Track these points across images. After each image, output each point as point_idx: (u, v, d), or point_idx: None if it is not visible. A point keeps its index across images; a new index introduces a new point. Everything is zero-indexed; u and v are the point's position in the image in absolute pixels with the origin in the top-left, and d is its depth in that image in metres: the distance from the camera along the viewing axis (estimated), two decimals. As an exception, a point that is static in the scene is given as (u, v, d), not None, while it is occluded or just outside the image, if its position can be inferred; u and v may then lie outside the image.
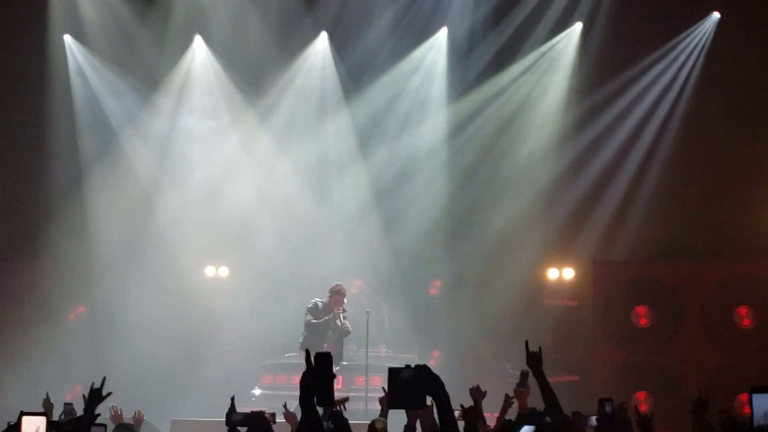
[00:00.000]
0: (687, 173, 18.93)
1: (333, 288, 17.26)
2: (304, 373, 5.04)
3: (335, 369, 16.06)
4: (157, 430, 15.04)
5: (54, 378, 17.45)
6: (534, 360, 7.85)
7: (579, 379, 18.80)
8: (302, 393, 5.01)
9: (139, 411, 11.23)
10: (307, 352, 5.08)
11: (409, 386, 4.90)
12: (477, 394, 8.95)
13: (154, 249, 20.23)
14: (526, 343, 7.91)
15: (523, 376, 11.22)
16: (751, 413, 4.04)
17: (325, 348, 16.36)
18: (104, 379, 8.27)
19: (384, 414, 9.23)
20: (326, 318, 17.04)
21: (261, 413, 7.82)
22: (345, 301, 17.17)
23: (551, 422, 7.58)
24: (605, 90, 19.79)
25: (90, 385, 9.44)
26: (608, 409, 8.38)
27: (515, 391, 10.16)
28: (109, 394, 8.19)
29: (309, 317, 17.14)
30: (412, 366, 4.96)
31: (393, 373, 4.93)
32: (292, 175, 20.48)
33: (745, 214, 18.00)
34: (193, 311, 20.07)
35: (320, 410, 6.06)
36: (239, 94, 20.54)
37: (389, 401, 4.98)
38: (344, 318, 17.10)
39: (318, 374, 4.99)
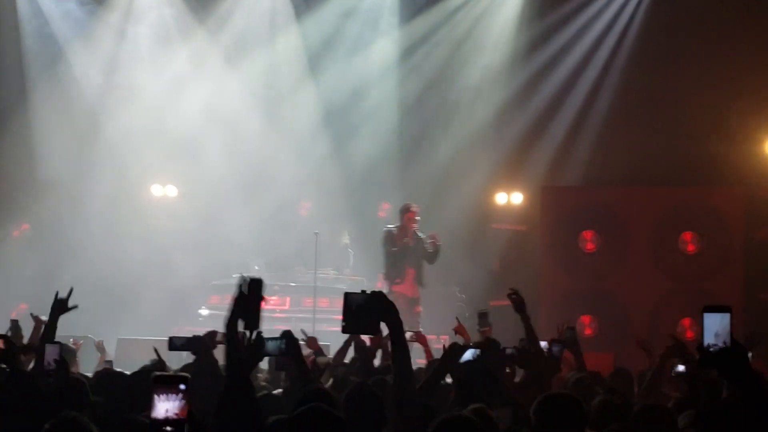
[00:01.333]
0: (637, 100, 18.96)
1: (402, 208, 16.58)
2: (234, 295, 5.00)
3: (417, 293, 16.15)
4: (103, 350, 14.99)
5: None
6: (521, 305, 8.22)
7: (525, 303, 18.90)
8: (229, 316, 4.98)
9: (74, 339, 11.08)
10: (242, 278, 5.03)
11: (362, 311, 4.87)
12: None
13: (101, 166, 20.02)
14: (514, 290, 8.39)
15: (482, 316, 11.30)
16: (702, 332, 4.06)
17: (406, 273, 16.20)
18: (71, 290, 8.16)
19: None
20: (404, 241, 16.29)
21: (200, 337, 7.77)
22: (418, 218, 16.43)
23: (514, 353, 7.69)
24: (557, 13, 19.72)
25: (30, 312, 9.38)
26: (555, 350, 8.44)
27: (479, 332, 10.23)
28: (74, 306, 8.07)
29: (387, 247, 16.37)
30: (367, 291, 4.92)
31: (347, 297, 4.90)
32: (242, 94, 20.31)
33: (693, 142, 18.07)
34: (139, 230, 19.93)
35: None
36: (189, 9, 20.24)
37: (342, 325, 4.95)
38: (420, 236, 16.36)
39: (247, 298, 4.95)
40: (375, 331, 4.98)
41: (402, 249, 16.25)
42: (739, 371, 3.93)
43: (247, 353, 5.41)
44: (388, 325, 4.90)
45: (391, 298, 4.96)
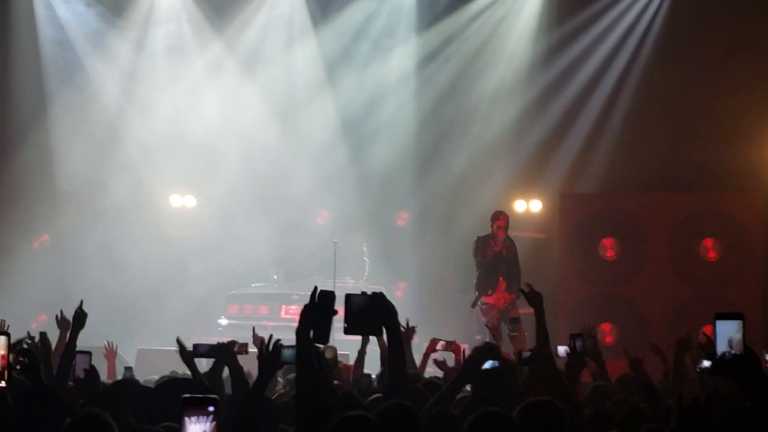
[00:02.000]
0: (656, 107, 18.91)
1: (492, 216, 16.01)
2: (305, 305, 4.99)
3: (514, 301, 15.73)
4: (122, 359, 15.03)
5: (18, 307, 17.34)
6: (535, 299, 8.11)
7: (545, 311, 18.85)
8: (300, 325, 4.96)
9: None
10: (315, 289, 5.01)
11: (363, 313, 4.89)
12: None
13: (120, 177, 20.08)
14: (528, 285, 8.24)
15: (513, 321, 11.25)
16: (714, 339, 4.05)
17: (498, 283, 15.66)
18: (81, 302, 8.18)
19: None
20: (495, 250, 15.73)
21: (224, 344, 7.74)
22: (508, 224, 15.86)
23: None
24: (576, 20, 19.69)
25: (55, 315, 9.37)
26: (578, 344, 8.39)
27: (510, 336, 10.16)
28: (86, 315, 8.09)
29: (477, 257, 15.84)
30: (368, 293, 4.94)
31: (348, 299, 4.92)
32: (260, 104, 20.35)
33: (712, 149, 18.00)
34: (159, 240, 19.97)
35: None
36: (206, 20, 20.29)
37: (344, 327, 4.96)
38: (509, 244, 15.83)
39: (318, 310, 4.94)
40: (377, 333, 5.00)
41: (493, 259, 15.72)
42: (752, 378, 3.91)
43: (263, 362, 5.41)
44: (386, 327, 4.91)
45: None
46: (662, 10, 19.43)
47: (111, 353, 9.27)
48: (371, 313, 4.91)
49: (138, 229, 19.93)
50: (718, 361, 3.96)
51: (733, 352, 3.96)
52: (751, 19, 17.99)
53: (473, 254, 15.87)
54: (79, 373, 7.13)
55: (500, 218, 15.73)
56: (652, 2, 19.57)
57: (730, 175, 17.86)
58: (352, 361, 12.93)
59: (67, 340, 8.12)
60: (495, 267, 15.68)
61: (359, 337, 16.45)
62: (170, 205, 20.79)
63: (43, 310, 18.50)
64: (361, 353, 9.55)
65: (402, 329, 9.58)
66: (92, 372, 7.00)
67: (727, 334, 4.00)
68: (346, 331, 5.00)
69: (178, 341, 7.95)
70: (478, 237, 15.97)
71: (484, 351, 7.51)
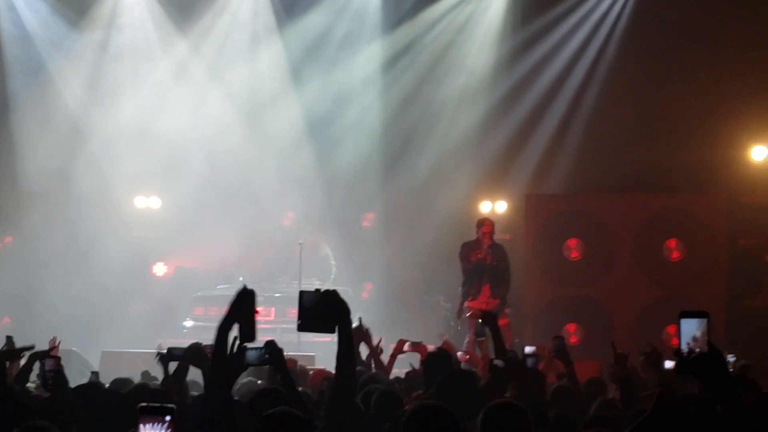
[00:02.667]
0: (619, 108, 19.00)
1: (477, 222, 15.77)
2: (230, 304, 4.97)
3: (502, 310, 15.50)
4: (86, 362, 14.95)
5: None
6: (490, 319, 8.03)
7: (511, 311, 18.92)
8: (223, 321, 4.95)
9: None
10: (243, 287, 4.99)
11: (316, 310, 4.88)
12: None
13: (84, 178, 19.97)
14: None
15: (480, 325, 11.26)
16: (679, 337, 4.08)
17: (481, 289, 15.39)
18: (9, 339, 8.08)
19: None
20: (479, 257, 15.46)
21: (198, 345, 7.71)
22: (493, 231, 15.51)
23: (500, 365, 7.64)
24: (539, 22, 19.78)
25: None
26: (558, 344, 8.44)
27: (477, 341, 10.17)
28: (22, 349, 8.00)
29: (462, 262, 15.65)
30: (321, 290, 4.93)
31: (301, 296, 4.92)
32: (225, 106, 20.31)
33: (675, 149, 18.12)
34: (124, 242, 19.87)
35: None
36: (170, 21, 20.22)
37: (297, 323, 4.96)
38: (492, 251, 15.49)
39: (240, 308, 4.92)
40: (330, 330, 4.96)
41: (476, 265, 15.51)
42: (717, 376, 3.94)
43: (228, 364, 5.38)
44: (338, 324, 4.91)
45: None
46: (625, 13, 19.54)
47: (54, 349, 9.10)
48: (323, 310, 4.90)
49: (103, 231, 19.83)
50: (683, 359, 3.98)
51: (697, 349, 3.98)
52: (713, 22, 18.12)
53: (459, 259, 15.75)
54: (47, 374, 7.12)
55: (485, 225, 15.58)
56: (614, 5, 19.68)
57: (693, 175, 17.99)
58: (317, 364, 12.92)
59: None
60: (479, 274, 15.56)
61: (330, 338, 16.49)
62: (135, 206, 20.70)
63: (6, 313, 18.42)
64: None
65: (363, 329, 9.62)
66: (60, 374, 6.97)
67: (692, 332, 4.02)
68: (299, 328, 4.98)
69: (159, 351, 7.94)
70: (464, 243, 15.78)
71: (437, 357, 7.53)
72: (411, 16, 20.40)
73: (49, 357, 7.40)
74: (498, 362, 7.66)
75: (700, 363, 3.94)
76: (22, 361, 8.21)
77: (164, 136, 19.72)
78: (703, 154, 17.73)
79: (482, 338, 11.26)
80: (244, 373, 7.28)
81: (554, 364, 9.16)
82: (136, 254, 19.89)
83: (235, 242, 19.41)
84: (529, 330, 17.77)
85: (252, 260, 19.70)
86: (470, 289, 15.55)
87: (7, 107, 19.95)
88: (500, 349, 7.65)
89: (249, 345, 5.15)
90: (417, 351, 10.28)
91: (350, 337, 4.97)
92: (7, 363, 7.77)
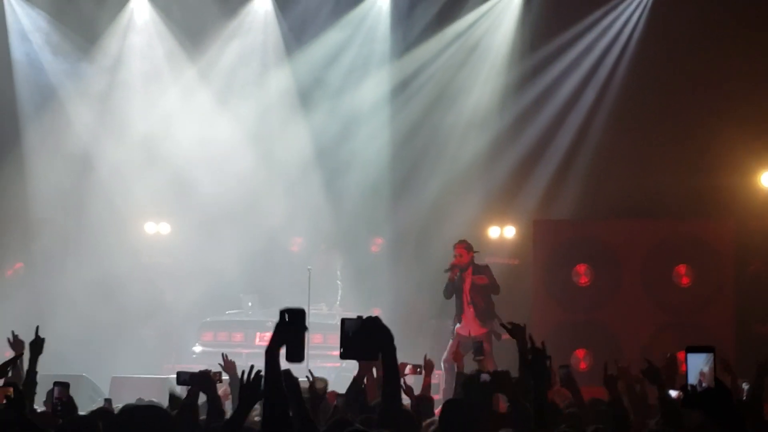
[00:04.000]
0: (628, 134, 19.02)
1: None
2: (276, 325, 4.95)
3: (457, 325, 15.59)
4: (96, 387, 14.98)
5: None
6: (518, 332, 7.35)
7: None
8: (270, 344, 4.92)
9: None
10: (284, 309, 4.98)
11: (359, 337, 4.88)
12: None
13: (94, 204, 20.04)
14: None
15: (477, 346, 11.26)
16: (686, 372, 4.11)
17: (463, 312, 15.53)
18: (38, 328, 8.11)
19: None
20: (452, 279, 15.63)
21: (207, 372, 7.77)
22: (466, 255, 15.56)
23: (489, 380, 7.60)
24: (548, 48, 19.82)
25: (6, 338, 9.24)
26: (564, 373, 8.41)
27: (474, 361, 10.15)
28: (43, 339, 8.03)
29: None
30: (363, 317, 4.93)
31: (343, 324, 4.92)
32: (234, 132, 20.35)
33: (684, 175, 18.12)
34: (133, 268, 19.92)
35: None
36: (180, 49, 20.31)
37: (340, 351, 4.95)
38: (464, 274, 15.52)
39: (289, 329, 4.90)
40: (373, 357, 4.97)
41: (448, 288, 15.70)
42: (724, 411, 3.96)
43: (244, 392, 5.39)
44: (381, 350, 4.92)
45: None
46: (634, 39, 19.58)
47: (18, 343, 9.00)
48: (366, 336, 4.90)
49: (112, 256, 19.88)
50: (690, 393, 4.01)
51: (704, 384, 4.02)
52: (720, 47, 18.15)
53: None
54: (56, 401, 7.15)
55: (455, 247, 15.73)
56: (623, 31, 19.71)
57: (702, 201, 17.98)
58: (329, 389, 12.90)
59: (27, 366, 8.06)
60: (454, 297, 15.72)
61: (339, 364, 16.38)
62: (145, 231, 20.76)
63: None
64: (357, 380, 9.30)
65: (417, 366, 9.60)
66: (70, 403, 7.00)
67: (699, 366, 4.05)
68: (342, 356, 4.99)
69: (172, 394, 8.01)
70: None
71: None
72: (420, 42, 20.45)
73: (58, 384, 7.41)
74: (485, 377, 7.64)
75: (706, 398, 3.97)
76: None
77: (173, 161, 19.79)
78: (712, 180, 17.73)
79: (481, 358, 11.24)
80: None
81: (562, 393, 9.14)
82: (146, 279, 19.94)
83: (244, 267, 19.44)
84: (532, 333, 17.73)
85: (261, 286, 19.72)
86: (455, 314, 15.69)
87: (18, 134, 20.03)
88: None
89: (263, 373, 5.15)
90: (419, 373, 10.27)
91: (395, 364, 4.97)
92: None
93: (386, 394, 5.03)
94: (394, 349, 4.95)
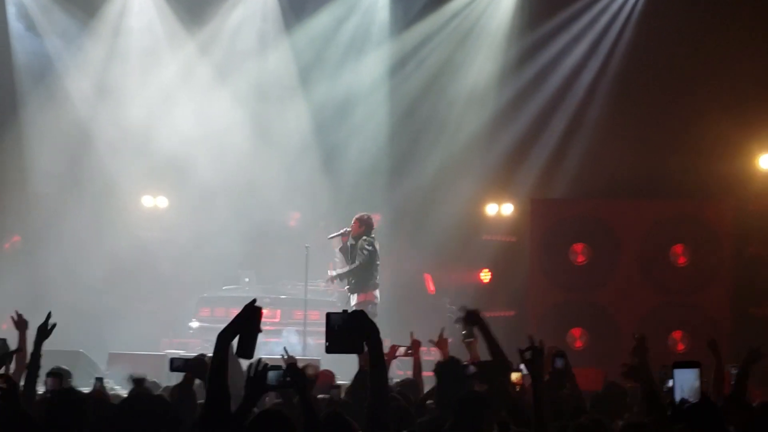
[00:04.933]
0: (627, 113, 18.99)
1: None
2: (235, 316, 4.98)
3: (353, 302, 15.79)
4: (93, 363, 15.00)
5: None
6: (473, 317, 7.26)
7: (515, 314, 18.97)
8: (226, 328, 4.95)
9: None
10: (248, 304, 5.00)
11: (344, 331, 4.89)
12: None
13: (91, 178, 20.03)
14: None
15: (468, 328, 11.16)
16: (673, 387, 4.12)
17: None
18: (49, 314, 8.06)
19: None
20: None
21: (201, 358, 7.73)
22: (356, 228, 15.87)
23: (475, 372, 7.52)
24: (548, 25, 19.77)
25: (10, 316, 9.20)
26: (559, 364, 8.36)
27: (463, 342, 10.06)
28: (54, 325, 7.99)
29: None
30: (348, 311, 4.94)
31: (329, 318, 4.92)
32: (232, 107, 20.31)
33: (681, 155, 18.10)
34: (130, 242, 19.91)
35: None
36: (179, 23, 20.25)
37: (326, 345, 4.95)
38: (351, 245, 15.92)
39: (246, 324, 4.93)
40: (358, 350, 4.98)
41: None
42: (710, 426, 3.98)
43: (249, 385, 5.36)
44: (367, 344, 4.92)
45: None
46: (634, 15, 19.53)
47: (21, 322, 8.96)
48: (352, 331, 4.91)
49: (110, 230, 19.87)
50: (677, 409, 4.02)
51: (691, 400, 4.03)
52: (722, 27, 18.11)
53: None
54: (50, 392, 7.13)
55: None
56: (622, 10, 19.66)
57: (701, 182, 17.96)
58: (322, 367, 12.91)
59: (32, 349, 8.00)
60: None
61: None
62: (142, 205, 20.74)
63: (12, 311, 18.41)
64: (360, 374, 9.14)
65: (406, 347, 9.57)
66: (63, 393, 6.99)
67: (685, 382, 4.08)
68: (328, 350, 5.00)
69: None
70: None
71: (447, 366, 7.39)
72: (419, 19, 20.40)
73: (50, 375, 7.38)
74: (471, 369, 7.54)
75: (693, 413, 3.98)
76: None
77: (171, 136, 19.75)
78: (711, 161, 17.70)
79: (471, 339, 11.20)
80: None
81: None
82: (143, 253, 19.93)
83: (241, 243, 19.44)
84: (533, 333, 17.79)
85: (258, 262, 19.73)
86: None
87: (16, 107, 19.99)
88: (495, 352, 7.22)
89: (271, 366, 5.16)
90: (410, 355, 10.19)
91: (382, 356, 4.97)
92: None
93: (374, 389, 5.02)
94: (380, 342, 4.96)
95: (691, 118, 18.06)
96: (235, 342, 5.14)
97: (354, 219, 15.98)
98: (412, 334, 10.26)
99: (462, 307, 7.42)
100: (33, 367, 7.68)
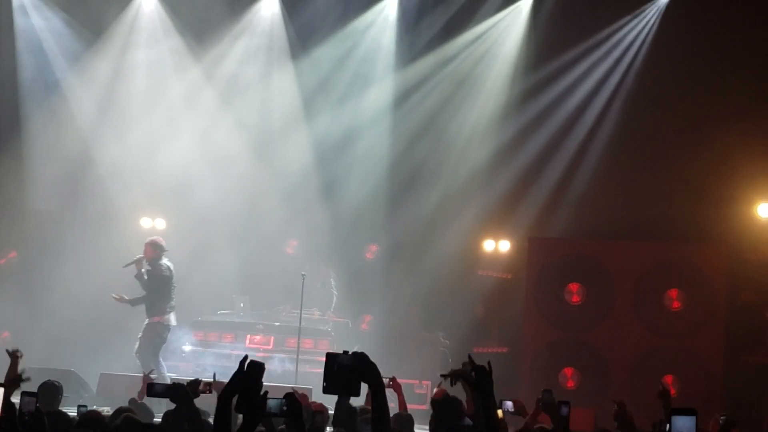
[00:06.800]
0: (626, 157, 19.06)
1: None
2: (234, 373, 4.97)
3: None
4: (84, 383, 14.99)
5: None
6: (483, 375, 5.57)
7: (509, 351, 18.98)
8: (225, 388, 4.94)
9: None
10: (245, 358, 5.00)
11: (345, 373, 4.84)
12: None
13: (91, 197, 20.04)
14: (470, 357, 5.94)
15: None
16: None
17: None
18: (26, 378, 7.91)
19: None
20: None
21: (181, 385, 7.66)
22: (150, 252, 16.22)
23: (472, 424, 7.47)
24: (551, 66, 19.86)
25: (5, 349, 9.17)
26: (564, 412, 8.33)
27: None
28: (27, 379, 7.86)
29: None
30: (350, 352, 4.89)
31: (329, 358, 4.86)
32: (235, 133, 20.36)
33: (680, 201, 18.17)
34: (127, 262, 19.86)
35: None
36: (185, 47, 20.33)
37: (323, 386, 4.91)
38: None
39: (247, 380, 4.91)
40: (356, 393, 4.93)
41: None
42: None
43: (249, 412, 5.34)
44: (369, 385, 4.87)
45: None
46: (636, 62, 19.62)
47: (14, 357, 8.92)
48: (351, 371, 4.86)
49: (107, 250, 19.84)
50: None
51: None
52: (719, 77, 18.19)
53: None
54: (25, 414, 7.05)
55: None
56: (626, 54, 19.75)
57: (698, 227, 18.02)
58: (314, 397, 12.89)
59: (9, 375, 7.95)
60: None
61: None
62: (140, 226, 20.74)
63: (7, 328, 18.43)
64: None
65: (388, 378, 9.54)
66: (38, 413, 6.93)
67: (683, 429, 4.14)
68: (326, 390, 4.94)
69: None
70: None
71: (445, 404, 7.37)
72: (425, 53, 20.48)
73: (26, 394, 7.28)
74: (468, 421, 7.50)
75: None
76: None
77: (173, 159, 19.77)
78: (708, 207, 17.77)
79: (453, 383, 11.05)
80: None
81: (541, 417, 9.07)
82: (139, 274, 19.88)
83: (237, 268, 19.43)
84: (526, 370, 17.81)
85: (254, 287, 19.72)
86: None
87: (19, 123, 20.02)
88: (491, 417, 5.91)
89: (270, 395, 5.14)
90: (391, 388, 10.16)
91: (384, 397, 4.93)
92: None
93: (376, 427, 4.98)
94: (382, 384, 4.92)
95: (688, 163, 18.12)
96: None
97: (145, 244, 16.27)
98: (392, 379, 10.22)
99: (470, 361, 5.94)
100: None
